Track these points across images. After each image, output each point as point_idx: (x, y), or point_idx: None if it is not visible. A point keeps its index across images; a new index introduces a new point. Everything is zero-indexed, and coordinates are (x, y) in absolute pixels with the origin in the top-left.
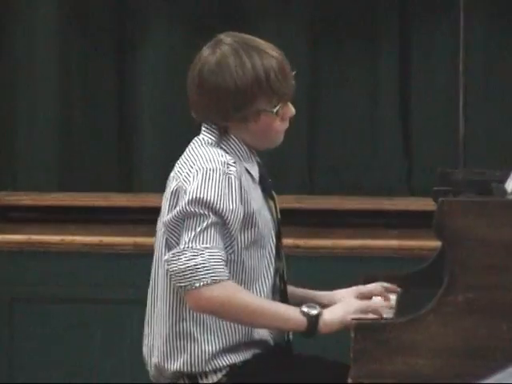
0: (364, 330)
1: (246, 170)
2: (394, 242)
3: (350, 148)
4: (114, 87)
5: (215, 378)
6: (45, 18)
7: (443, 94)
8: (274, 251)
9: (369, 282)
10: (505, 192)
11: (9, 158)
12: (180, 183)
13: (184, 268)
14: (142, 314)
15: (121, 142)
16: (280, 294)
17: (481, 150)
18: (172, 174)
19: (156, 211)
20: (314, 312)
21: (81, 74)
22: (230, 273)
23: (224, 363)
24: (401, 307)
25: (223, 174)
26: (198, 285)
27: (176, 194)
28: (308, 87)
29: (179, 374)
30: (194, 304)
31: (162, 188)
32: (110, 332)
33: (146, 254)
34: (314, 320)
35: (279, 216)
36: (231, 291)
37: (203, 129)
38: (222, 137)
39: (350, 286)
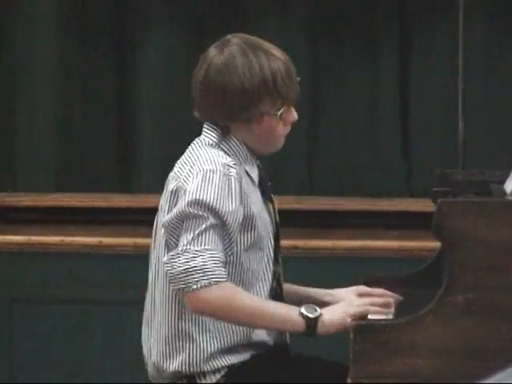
0: (363, 331)
1: (246, 172)
2: (393, 243)
3: (350, 149)
4: (114, 87)
5: (214, 379)
6: (45, 18)
7: (443, 95)
8: (272, 254)
9: (369, 283)
10: (504, 193)
11: (9, 159)
12: (180, 183)
13: (182, 270)
14: (142, 314)
15: (120, 142)
16: (277, 298)
17: (480, 151)
18: (171, 174)
19: (156, 212)
20: (312, 315)
21: (81, 74)
22: (228, 275)
23: (222, 364)
24: (400, 308)
25: (223, 176)
26: (195, 287)
27: (175, 194)
28: (308, 87)
29: (178, 375)
30: (193, 306)
31: (161, 189)
32: (109, 333)
33: (146, 255)
34: (312, 322)
35: (278, 219)
36: (229, 292)
37: (204, 130)
38: (223, 138)
39: (349, 286)
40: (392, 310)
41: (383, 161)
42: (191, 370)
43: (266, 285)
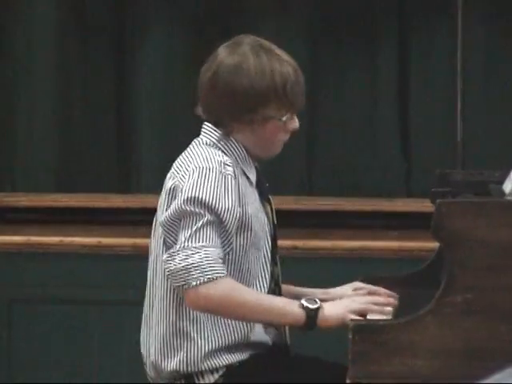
0: (362, 331)
1: (244, 172)
2: (393, 243)
3: (349, 149)
4: (113, 88)
5: (212, 379)
6: (44, 18)
7: (442, 95)
8: (269, 255)
9: (367, 283)
10: (503, 193)
11: (8, 159)
12: (177, 182)
13: (181, 267)
14: (141, 314)
15: (120, 142)
16: None
17: (479, 151)
18: (169, 173)
19: (155, 212)
20: (312, 306)
21: (80, 74)
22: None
23: (221, 363)
24: (399, 308)
25: (220, 174)
26: (194, 283)
27: (173, 192)
28: (307, 87)
29: (176, 374)
30: (193, 303)
31: (161, 189)
32: (108, 333)
33: (145, 255)
34: (312, 314)
35: (275, 221)
36: (229, 288)
37: (203, 130)
38: (222, 139)
39: None
40: (391, 309)
41: (382, 161)
42: (189, 369)
43: (263, 285)
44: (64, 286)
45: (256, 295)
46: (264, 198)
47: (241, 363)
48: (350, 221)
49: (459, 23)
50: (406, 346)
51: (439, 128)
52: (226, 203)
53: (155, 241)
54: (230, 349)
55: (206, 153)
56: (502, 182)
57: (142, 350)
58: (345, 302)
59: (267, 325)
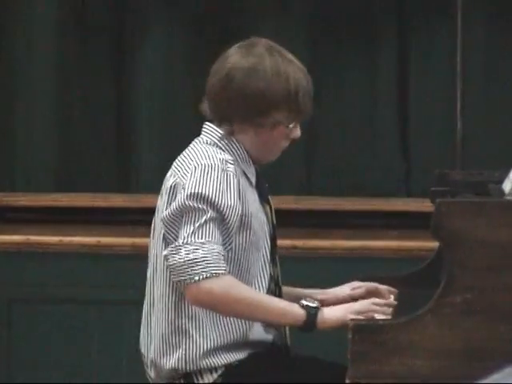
0: (362, 331)
1: (244, 172)
2: (393, 243)
3: (349, 149)
4: (113, 88)
5: (211, 379)
6: (44, 18)
7: (441, 95)
8: (268, 256)
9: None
10: (502, 193)
11: (7, 159)
12: (178, 179)
13: (183, 262)
14: (141, 314)
15: (119, 142)
16: None
17: (479, 151)
18: (170, 172)
19: (154, 212)
20: (313, 305)
21: (80, 74)
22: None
23: (220, 362)
24: (399, 308)
25: (221, 171)
26: (196, 278)
27: (174, 189)
28: None
29: (175, 374)
30: (193, 298)
31: (160, 189)
32: (108, 332)
33: (145, 255)
34: (312, 313)
35: (275, 222)
36: (230, 284)
37: (205, 129)
38: (224, 139)
39: None
40: (391, 309)
41: (382, 161)
42: (188, 367)
43: (262, 286)
44: (63, 286)
45: (256, 294)
46: (263, 199)
47: (240, 363)
48: (350, 220)
49: (459, 23)
50: (406, 345)
51: (439, 128)
52: (229, 200)
53: (155, 240)
54: (228, 348)
55: (208, 151)
56: (501, 182)
57: (141, 349)
58: (345, 306)
59: (267, 325)
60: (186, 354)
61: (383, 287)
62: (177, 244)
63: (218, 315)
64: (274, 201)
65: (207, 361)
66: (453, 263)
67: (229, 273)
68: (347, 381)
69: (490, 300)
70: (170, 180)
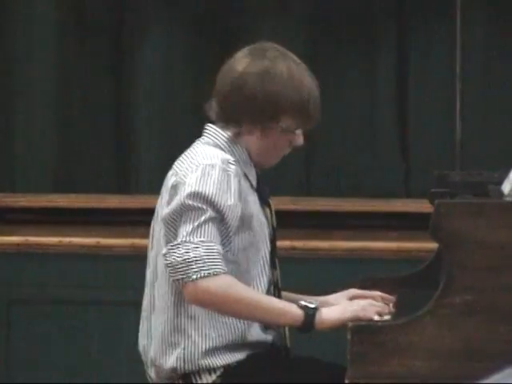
0: (361, 332)
1: (245, 174)
2: (392, 244)
3: (348, 149)
4: (112, 88)
5: (210, 379)
6: (43, 18)
7: (441, 95)
8: (268, 258)
9: (367, 284)
10: (501, 194)
11: (7, 160)
12: (179, 179)
13: (181, 260)
14: (140, 314)
15: (118, 143)
16: None
17: (478, 152)
18: (170, 172)
19: (153, 213)
20: (311, 306)
21: (79, 74)
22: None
23: (218, 363)
24: (398, 309)
25: (222, 171)
26: (195, 277)
27: (175, 189)
28: None
29: (174, 374)
30: (191, 296)
31: (160, 189)
32: (107, 333)
33: (144, 256)
34: (311, 314)
35: (275, 224)
36: (228, 284)
37: (207, 131)
38: (226, 141)
39: (347, 288)
40: (390, 310)
41: (381, 161)
42: (187, 367)
43: (261, 287)
44: (63, 287)
45: (255, 293)
46: (264, 201)
47: (239, 363)
48: (349, 221)
49: (458, 24)
50: (405, 346)
51: (438, 128)
52: (229, 200)
53: (155, 239)
54: (227, 348)
55: (209, 151)
56: (500, 183)
57: (140, 349)
58: (343, 306)
59: (267, 325)
60: (184, 354)
61: (381, 294)
62: (176, 242)
63: (217, 315)
64: (274, 201)
65: (206, 361)
66: (452, 264)
67: (228, 272)
68: (346, 381)
69: (490, 301)
70: (170, 179)
